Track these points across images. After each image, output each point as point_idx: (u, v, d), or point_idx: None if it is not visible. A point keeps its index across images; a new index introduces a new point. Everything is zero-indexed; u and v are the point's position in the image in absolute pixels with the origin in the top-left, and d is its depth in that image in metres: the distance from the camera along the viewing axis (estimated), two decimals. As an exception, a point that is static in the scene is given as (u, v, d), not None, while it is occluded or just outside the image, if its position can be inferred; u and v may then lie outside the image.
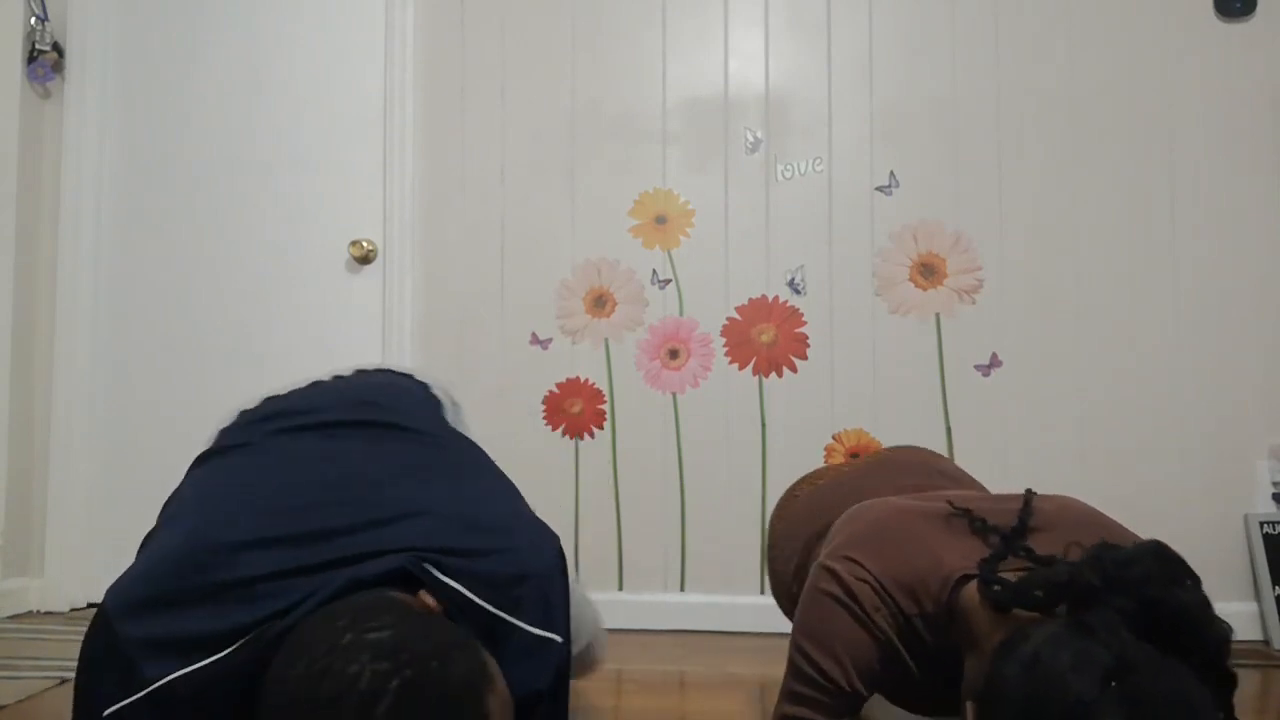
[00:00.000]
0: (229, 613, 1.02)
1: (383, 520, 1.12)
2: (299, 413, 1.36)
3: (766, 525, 2.69)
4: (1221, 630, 0.92)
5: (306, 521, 1.10)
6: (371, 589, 1.02)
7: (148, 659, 1.00)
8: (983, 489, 1.66)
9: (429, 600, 1.04)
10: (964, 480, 1.67)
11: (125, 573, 1.09)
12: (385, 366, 1.68)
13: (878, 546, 1.22)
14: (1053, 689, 0.88)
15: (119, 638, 1.01)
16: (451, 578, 1.08)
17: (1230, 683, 0.92)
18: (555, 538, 1.20)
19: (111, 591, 1.06)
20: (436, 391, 1.56)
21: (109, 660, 1.01)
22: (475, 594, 1.08)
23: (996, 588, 1.06)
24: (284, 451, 1.27)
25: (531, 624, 1.10)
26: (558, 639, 1.11)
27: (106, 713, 0.99)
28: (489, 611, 1.08)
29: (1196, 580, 0.96)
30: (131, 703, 0.99)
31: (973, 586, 1.12)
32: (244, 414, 1.44)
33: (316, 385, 1.52)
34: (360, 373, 1.61)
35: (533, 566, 1.13)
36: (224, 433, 1.40)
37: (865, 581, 1.19)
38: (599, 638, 1.70)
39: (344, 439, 1.30)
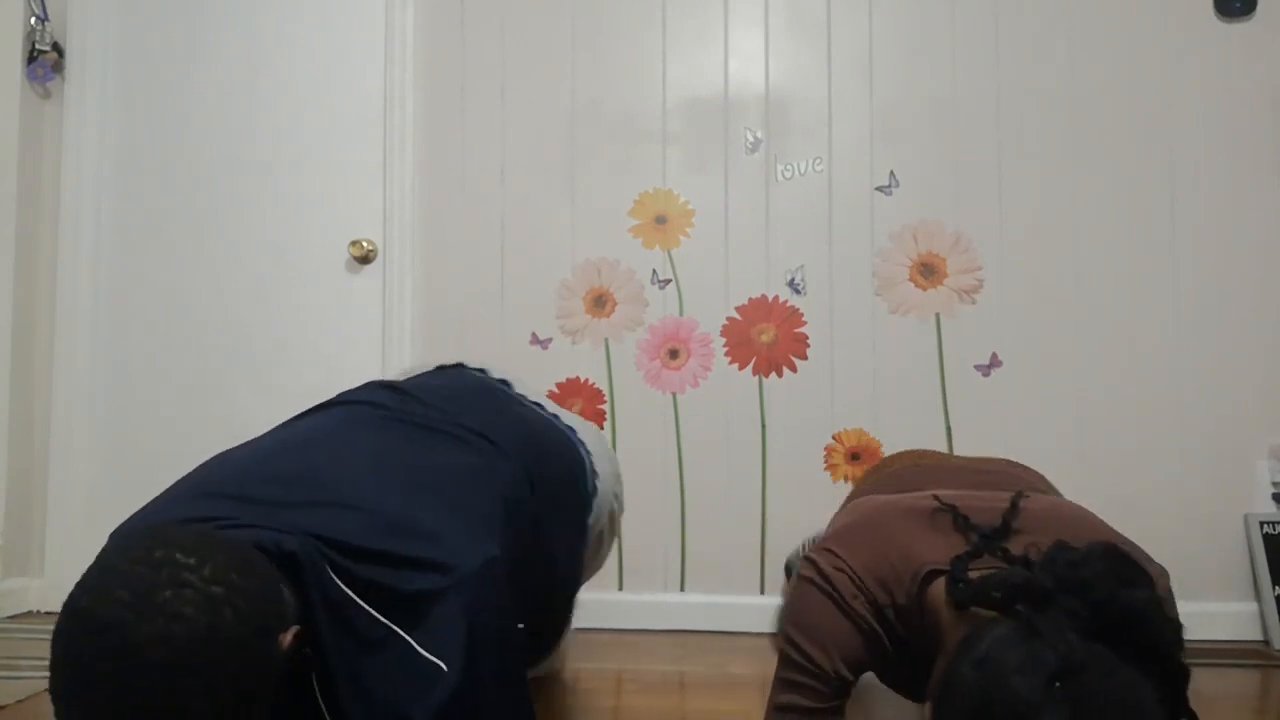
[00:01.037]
0: None
1: (310, 502, 1.12)
2: (420, 402, 1.44)
3: (766, 524, 2.69)
4: (1171, 627, 0.95)
5: (256, 488, 1.14)
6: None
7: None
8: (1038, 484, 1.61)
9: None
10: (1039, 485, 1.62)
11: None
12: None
13: (855, 539, 1.26)
14: (1000, 690, 0.90)
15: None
16: (343, 576, 1.06)
17: (1183, 678, 0.94)
18: (491, 559, 1.13)
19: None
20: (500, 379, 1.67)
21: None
22: (365, 599, 1.06)
23: (960, 585, 1.09)
24: (295, 430, 1.34)
25: (423, 645, 1.06)
26: (443, 668, 1.05)
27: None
28: (373, 618, 1.06)
29: (1148, 578, 0.98)
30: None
31: (941, 582, 1.14)
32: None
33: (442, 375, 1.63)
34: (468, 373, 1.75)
35: (450, 581, 1.08)
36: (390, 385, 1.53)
37: (842, 571, 1.23)
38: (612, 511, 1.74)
39: (352, 423, 1.35)
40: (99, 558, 0.99)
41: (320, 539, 1.07)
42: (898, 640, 1.23)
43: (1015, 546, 1.16)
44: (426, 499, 1.20)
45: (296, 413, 1.47)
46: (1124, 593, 0.95)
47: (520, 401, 1.70)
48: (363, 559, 1.08)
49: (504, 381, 1.75)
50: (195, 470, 1.24)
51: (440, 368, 1.80)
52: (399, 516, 1.14)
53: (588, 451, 1.70)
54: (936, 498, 1.26)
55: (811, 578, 1.25)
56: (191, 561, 0.94)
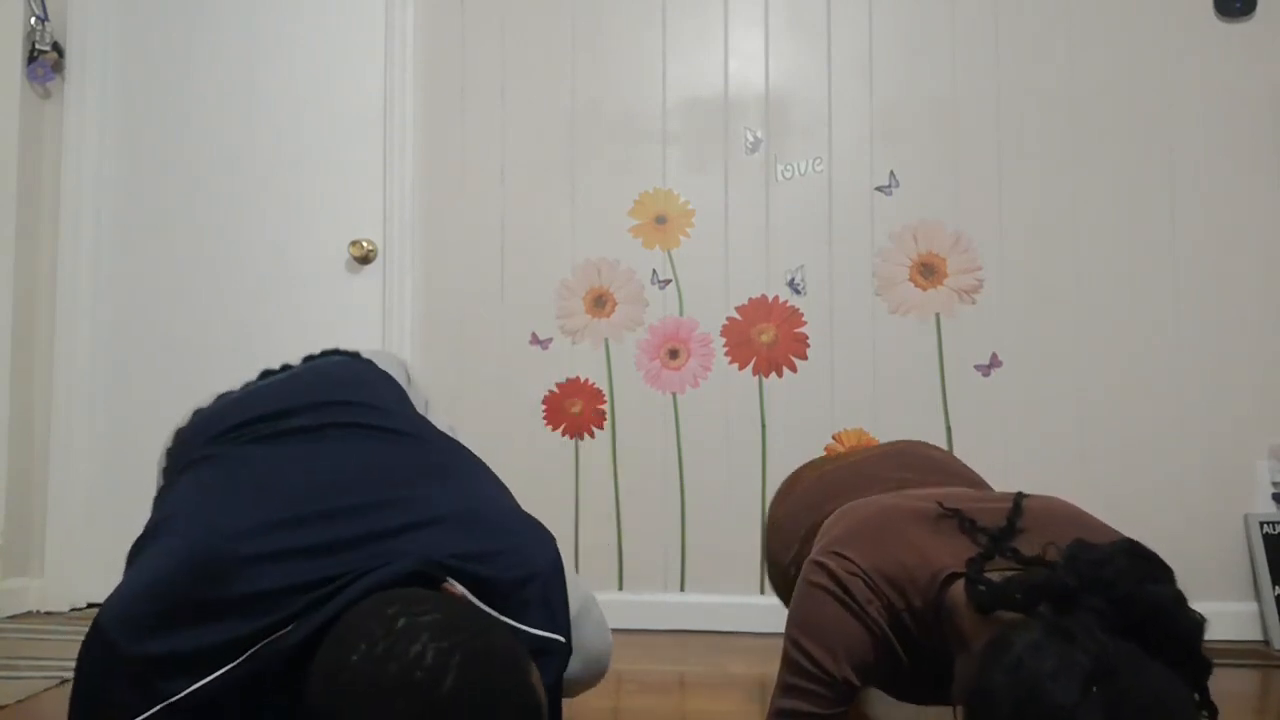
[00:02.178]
0: (240, 623, 1.03)
1: (392, 531, 1.13)
2: (275, 416, 1.34)
3: (767, 516, 2.69)
4: (1194, 620, 0.96)
5: (314, 534, 1.10)
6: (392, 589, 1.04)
7: (163, 676, 1.00)
8: (987, 486, 1.66)
9: (454, 590, 1.06)
10: (966, 475, 1.67)
11: (122, 588, 1.08)
12: (330, 349, 1.66)
13: (868, 543, 1.25)
14: (1036, 696, 0.90)
15: (129, 658, 1.00)
16: (458, 583, 1.09)
17: (1206, 670, 0.95)
18: (552, 536, 1.22)
19: (111, 610, 1.04)
20: (398, 378, 1.56)
21: (119, 680, 1.01)
22: (478, 599, 1.09)
23: (981, 588, 1.08)
24: (276, 459, 1.26)
25: (534, 626, 1.11)
26: (560, 639, 1.13)
27: None
28: (493, 617, 1.09)
29: (1169, 574, 0.99)
30: (152, 715, 1.00)
31: (960, 585, 1.14)
32: (202, 415, 1.43)
33: (273, 380, 1.50)
34: (311, 361, 1.59)
35: (536, 567, 1.15)
36: (186, 439, 1.39)
37: (856, 575, 1.22)
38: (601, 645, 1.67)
39: (333, 442, 1.30)
40: (349, 649, 0.93)
41: (429, 560, 1.09)
42: (910, 644, 1.21)
43: (1023, 545, 1.16)
44: (473, 497, 1.24)
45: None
46: (1148, 588, 0.95)
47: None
48: (462, 562, 1.11)
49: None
50: (196, 533, 1.13)
51: (309, 359, 1.67)
52: (465, 518, 1.17)
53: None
54: (940, 503, 1.26)
55: (823, 583, 1.23)
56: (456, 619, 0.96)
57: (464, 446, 1.40)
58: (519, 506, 1.29)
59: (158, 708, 1.00)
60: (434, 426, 1.44)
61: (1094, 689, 0.88)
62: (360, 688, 0.88)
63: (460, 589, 1.07)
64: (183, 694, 1.00)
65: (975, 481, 1.67)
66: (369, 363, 1.58)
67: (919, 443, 1.83)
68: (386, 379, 1.53)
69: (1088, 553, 1.00)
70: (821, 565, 1.25)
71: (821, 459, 1.86)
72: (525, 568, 1.14)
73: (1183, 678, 0.92)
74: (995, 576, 1.10)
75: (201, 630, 1.02)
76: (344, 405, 1.38)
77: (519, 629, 1.09)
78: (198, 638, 1.02)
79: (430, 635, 0.90)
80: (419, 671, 0.88)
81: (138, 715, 0.99)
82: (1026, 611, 1.01)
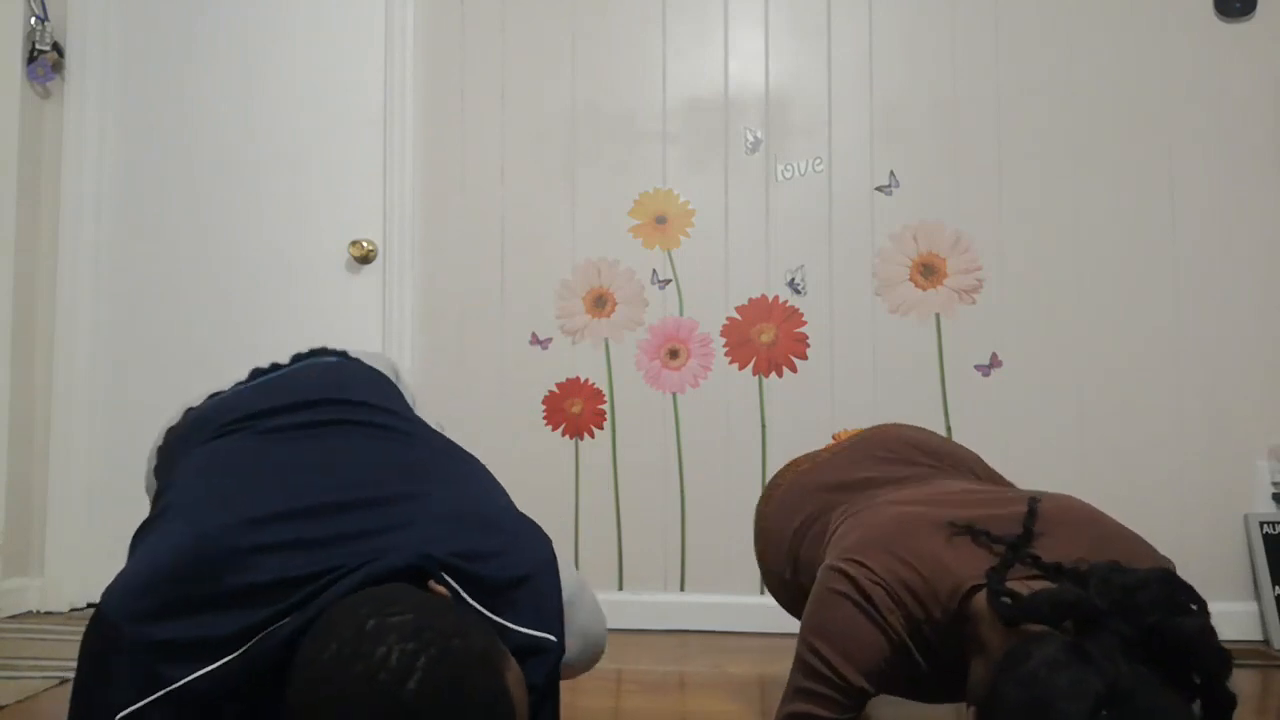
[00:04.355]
0: (241, 615, 1.03)
1: (390, 527, 1.13)
2: (274, 412, 1.35)
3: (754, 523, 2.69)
4: (1220, 655, 0.95)
5: (311, 527, 1.11)
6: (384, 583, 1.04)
7: (165, 661, 1.01)
8: (969, 460, 1.66)
9: (439, 589, 1.07)
10: (944, 453, 1.67)
11: (125, 574, 1.08)
12: (319, 347, 1.65)
13: (888, 553, 1.24)
14: (1046, 713, 0.91)
15: (132, 643, 1.01)
16: (454, 580, 1.10)
17: (1230, 706, 0.95)
18: (546, 536, 1.22)
19: (115, 595, 1.05)
20: (390, 376, 1.56)
21: (121, 664, 1.01)
22: (472, 597, 1.10)
23: (1005, 599, 1.08)
24: (277, 454, 1.26)
25: (526, 625, 1.12)
26: (551, 638, 1.13)
27: (124, 713, 1.00)
28: (484, 616, 1.10)
29: (1203, 606, 0.98)
30: (148, 704, 1.00)
31: (982, 596, 1.14)
32: (195, 413, 1.44)
33: (270, 378, 1.50)
34: (301, 360, 1.59)
35: (530, 566, 1.16)
36: (180, 436, 1.41)
37: (879, 584, 1.22)
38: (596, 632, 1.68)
39: (334, 438, 1.30)
40: (333, 643, 0.94)
41: (424, 556, 1.10)
42: (928, 652, 1.21)
43: (1041, 549, 1.16)
44: (470, 495, 1.24)
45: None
46: (1177, 620, 0.95)
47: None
48: (458, 560, 1.11)
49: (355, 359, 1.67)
50: (200, 523, 1.13)
51: (297, 358, 1.66)
52: (462, 515, 1.18)
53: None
54: (952, 522, 1.25)
55: (845, 590, 1.23)
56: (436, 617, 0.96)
57: (458, 446, 1.40)
58: (514, 506, 1.29)
59: (160, 693, 1.00)
60: (429, 426, 1.45)
61: (1103, 712, 0.88)
62: (326, 687, 0.90)
63: (445, 588, 1.07)
64: (182, 682, 1.01)
65: (950, 457, 1.67)
66: (358, 361, 1.58)
67: (889, 425, 1.81)
68: (380, 378, 1.53)
69: (1122, 576, 1.00)
70: (843, 573, 1.25)
71: (796, 460, 1.85)
72: (519, 567, 1.15)
73: (1205, 711, 0.92)
74: (1017, 585, 1.10)
75: (201, 619, 1.03)
76: (343, 404, 1.38)
77: (509, 629, 1.10)
78: (198, 627, 1.02)
79: (398, 636, 0.91)
80: (383, 673, 0.89)
81: (138, 700, 1.00)
82: (1051, 626, 1.01)
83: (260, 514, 1.12)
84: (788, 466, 1.84)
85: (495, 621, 1.10)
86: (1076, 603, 0.99)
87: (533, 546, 1.19)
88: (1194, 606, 0.97)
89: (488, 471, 1.37)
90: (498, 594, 1.12)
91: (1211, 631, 0.96)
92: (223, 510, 1.13)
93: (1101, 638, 0.94)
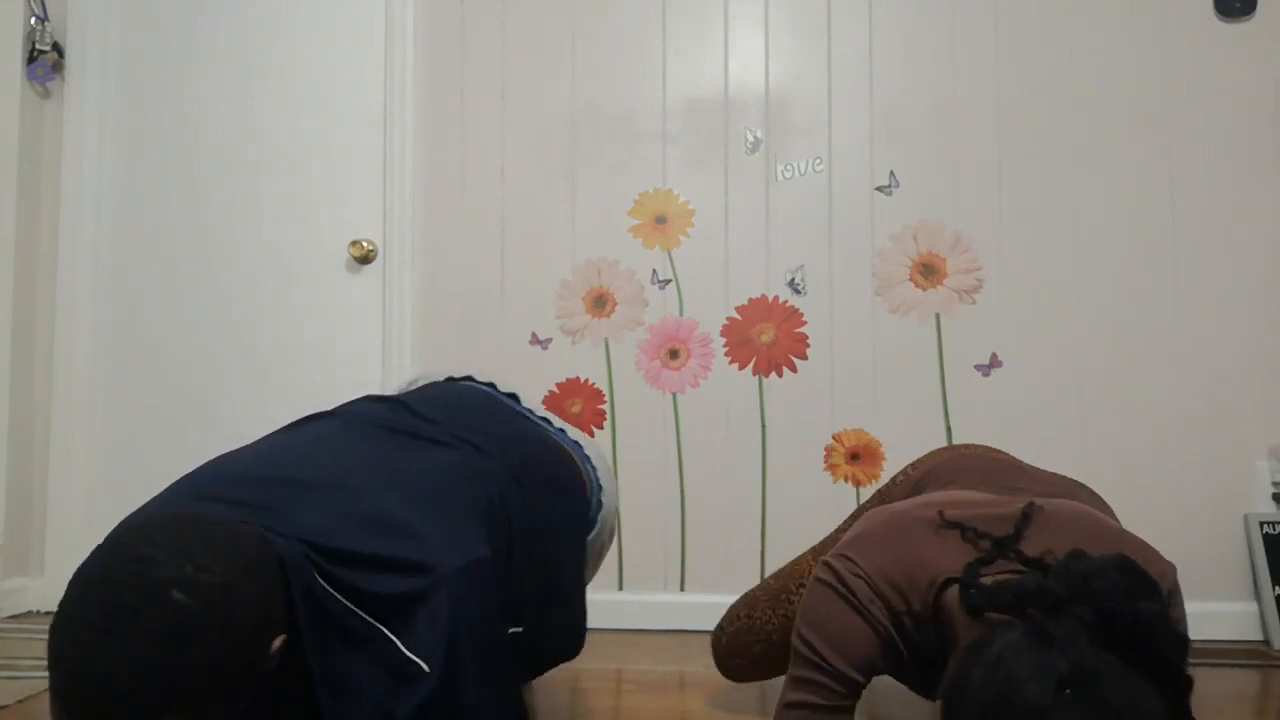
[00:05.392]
0: None
1: (297, 506, 1.13)
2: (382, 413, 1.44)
3: (765, 524, 2.69)
4: (1177, 639, 0.98)
5: (249, 491, 1.16)
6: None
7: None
8: (1059, 484, 1.58)
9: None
10: (1032, 473, 1.60)
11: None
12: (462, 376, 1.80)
13: (871, 547, 1.28)
14: (1010, 694, 0.92)
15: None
16: (329, 579, 1.08)
17: (1186, 687, 0.97)
18: (477, 559, 1.14)
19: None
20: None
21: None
22: (352, 600, 1.08)
23: (972, 590, 1.11)
24: (314, 434, 1.35)
25: (412, 646, 1.07)
26: (424, 668, 1.06)
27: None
28: (360, 618, 1.08)
29: (1158, 592, 1.00)
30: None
31: (956, 589, 1.16)
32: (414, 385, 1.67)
33: (424, 386, 1.66)
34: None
35: (433, 583, 1.09)
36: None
37: (859, 577, 1.25)
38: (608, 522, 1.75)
39: (360, 434, 1.36)
40: (125, 528, 1.02)
41: (307, 543, 1.09)
42: (912, 644, 1.25)
43: (1029, 547, 1.18)
44: (411, 500, 1.20)
45: (293, 418, 1.47)
46: (1134, 604, 0.97)
47: (525, 416, 1.68)
48: (349, 562, 1.09)
49: (512, 395, 1.74)
50: (189, 474, 1.25)
51: (450, 379, 1.79)
52: (385, 518, 1.15)
53: (593, 467, 1.68)
54: (941, 513, 1.27)
55: (829, 582, 1.27)
56: (219, 539, 0.99)
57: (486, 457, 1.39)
58: (466, 524, 1.21)
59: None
60: (481, 439, 1.44)
61: (1067, 691, 0.90)
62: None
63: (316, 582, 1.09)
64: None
65: (1040, 477, 1.58)
66: (490, 386, 1.76)
67: (976, 446, 1.76)
68: (489, 398, 1.68)
69: (1081, 564, 1.02)
70: (828, 566, 1.29)
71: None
72: (422, 585, 1.08)
73: (1163, 693, 0.93)
74: (991, 581, 1.12)
75: None
76: (418, 416, 1.47)
77: (388, 643, 1.07)
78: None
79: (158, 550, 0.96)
80: (163, 553, 0.95)
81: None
82: (1017, 614, 1.03)
83: (239, 473, 1.20)
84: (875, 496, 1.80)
85: (374, 627, 1.07)
86: (1038, 590, 1.01)
87: (448, 559, 1.11)
88: (1151, 592, 0.99)
89: (463, 469, 1.32)
90: (388, 604, 1.08)
91: (1167, 616, 0.98)
92: (224, 462, 1.26)
93: (1065, 621, 0.96)
